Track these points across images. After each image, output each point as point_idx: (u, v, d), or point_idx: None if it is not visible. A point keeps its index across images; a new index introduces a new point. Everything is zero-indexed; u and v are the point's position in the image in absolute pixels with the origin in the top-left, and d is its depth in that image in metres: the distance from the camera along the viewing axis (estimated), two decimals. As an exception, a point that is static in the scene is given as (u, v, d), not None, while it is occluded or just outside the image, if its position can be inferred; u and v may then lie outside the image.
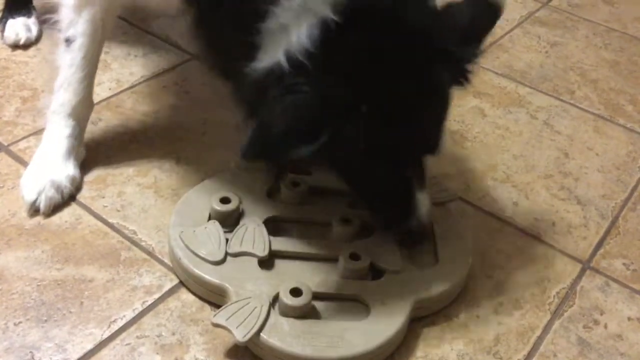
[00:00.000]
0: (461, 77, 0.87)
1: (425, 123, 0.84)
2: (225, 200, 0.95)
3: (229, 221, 0.94)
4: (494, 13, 0.90)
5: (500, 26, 1.59)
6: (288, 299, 0.83)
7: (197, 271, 0.88)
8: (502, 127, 1.27)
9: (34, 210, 0.99)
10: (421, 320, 0.90)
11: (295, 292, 0.84)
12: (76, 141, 1.06)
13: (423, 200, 0.89)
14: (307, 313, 0.84)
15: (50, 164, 1.03)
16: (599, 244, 1.06)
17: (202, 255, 0.89)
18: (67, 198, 1.01)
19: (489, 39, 1.53)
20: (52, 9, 1.05)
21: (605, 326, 0.94)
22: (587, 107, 1.36)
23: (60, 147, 1.04)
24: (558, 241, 1.05)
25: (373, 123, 0.78)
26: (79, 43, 1.02)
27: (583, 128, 1.30)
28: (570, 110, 1.34)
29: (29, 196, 0.99)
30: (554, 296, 0.97)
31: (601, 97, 1.39)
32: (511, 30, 1.58)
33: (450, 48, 0.83)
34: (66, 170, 1.03)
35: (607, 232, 1.08)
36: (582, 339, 0.91)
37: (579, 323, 0.93)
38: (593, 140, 1.27)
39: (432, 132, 0.86)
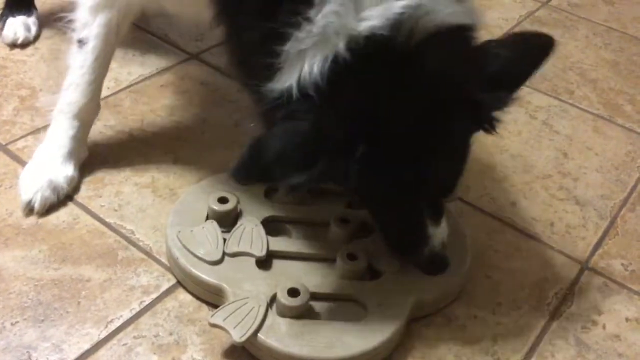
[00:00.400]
0: (486, 124, 0.84)
1: (432, 169, 0.81)
2: (223, 200, 0.95)
3: (227, 221, 0.94)
4: (543, 52, 0.83)
5: (500, 26, 1.59)
6: (285, 299, 0.83)
7: (194, 271, 0.88)
8: (500, 127, 1.27)
9: (29, 210, 0.99)
10: (419, 320, 0.90)
11: (293, 292, 0.84)
12: (79, 142, 1.06)
13: (436, 234, 0.87)
14: (304, 313, 0.84)
15: (50, 163, 1.02)
16: (598, 245, 1.06)
17: (200, 255, 0.89)
18: (63, 199, 1.01)
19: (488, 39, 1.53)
20: (67, 8, 1.04)
21: (604, 327, 0.93)
22: (586, 107, 1.36)
23: (62, 147, 1.04)
24: (556, 241, 1.05)
25: (370, 164, 0.76)
26: (92, 45, 1.02)
27: (582, 128, 1.30)
28: (569, 110, 1.34)
29: (25, 195, 0.99)
30: (552, 297, 0.96)
31: (600, 97, 1.39)
32: (510, 29, 1.58)
33: (472, 95, 0.79)
34: (65, 170, 1.03)
35: (606, 233, 1.08)
36: (580, 340, 0.91)
37: (577, 323, 0.93)
38: (592, 140, 1.27)
39: (441, 177, 0.84)
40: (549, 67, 1.45)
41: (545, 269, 1.01)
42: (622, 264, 1.03)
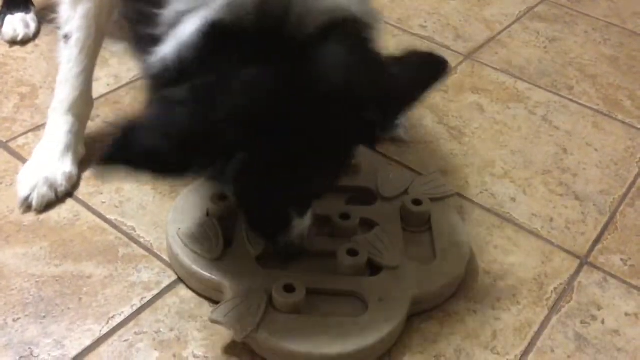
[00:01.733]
0: (369, 141, 0.81)
1: (310, 178, 0.77)
2: (223, 197, 0.95)
3: (227, 217, 0.94)
4: (435, 75, 0.77)
5: (499, 21, 1.59)
6: (281, 295, 0.83)
7: (194, 267, 0.88)
8: (500, 123, 1.27)
9: (27, 207, 0.99)
10: (419, 315, 0.90)
11: (289, 288, 0.84)
12: (75, 138, 1.06)
13: (298, 225, 0.84)
14: (301, 308, 0.84)
15: (47, 160, 1.03)
16: (597, 240, 1.06)
17: (200, 252, 0.89)
18: (62, 196, 1.01)
19: (487, 35, 1.53)
20: (55, 7, 1.05)
21: (603, 322, 0.94)
22: (585, 102, 1.36)
23: (58, 144, 1.04)
24: (556, 237, 1.06)
25: (247, 168, 0.71)
26: (75, 38, 1.02)
27: (582, 123, 1.30)
28: (569, 106, 1.34)
29: (22, 192, 1.00)
30: (551, 292, 0.97)
31: (600, 92, 1.39)
32: (510, 25, 1.58)
33: (364, 112, 0.73)
34: (62, 167, 1.03)
35: (605, 228, 1.08)
36: (580, 335, 0.92)
37: (576, 318, 0.94)
38: (592, 136, 1.27)
39: (316, 185, 0.80)
40: (548, 63, 1.46)
41: (545, 264, 1.01)
42: (622, 259, 1.04)
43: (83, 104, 1.07)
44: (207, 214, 0.95)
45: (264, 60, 0.68)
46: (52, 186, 1.01)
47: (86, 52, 1.04)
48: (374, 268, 0.91)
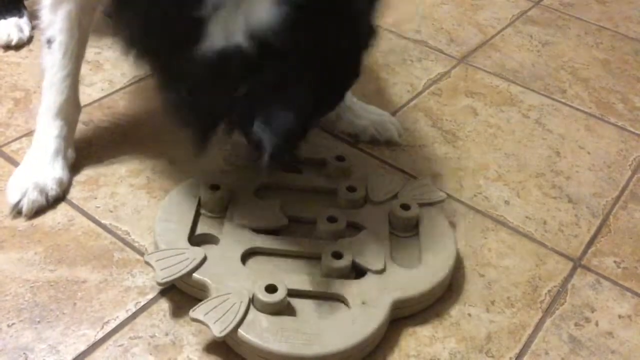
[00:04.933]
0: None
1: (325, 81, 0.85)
2: (215, 187, 0.96)
3: (217, 208, 0.96)
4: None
5: (492, 25, 1.59)
6: (263, 296, 0.83)
7: None
8: (494, 126, 1.28)
9: (17, 212, 0.99)
10: (413, 318, 0.91)
11: (271, 288, 0.84)
12: (64, 142, 1.06)
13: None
14: (282, 309, 0.84)
15: (37, 166, 1.02)
16: (590, 242, 1.07)
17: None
18: (53, 201, 1.01)
19: (480, 39, 1.54)
20: (38, 12, 1.05)
21: (597, 324, 0.94)
22: (578, 105, 1.36)
23: (47, 149, 1.04)
24: (549, 239, 1.06)
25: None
26: (58, 42, 1.02)
27: (574, 127, 1.30)
28: (561, 109, 1.35)
29: (12, 198, 0.99)
30: (545, 294, 0.97)
31: (592, 95, 1.40)
32: (503, 29, 1.59)
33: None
34: (53, 172, 1.02)
35: (598, 230, 1.09)
36: (574, 337, 0.92)
37: (570, 321, 0.94)
38: (584, 139, 1.28)
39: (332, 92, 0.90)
40: (541, 67, 1.46)
41: (539, 267, 1.01)
42: (615, 262, 1.04)
43: (71, 108, 1.07)
44: (199, 204, 0.96)
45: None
46: (42, 191, 1.00)
47: (69, 55, 1.03)
48: (358, 271, 0.91)
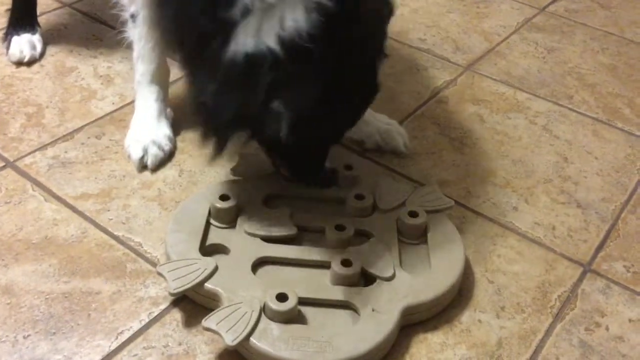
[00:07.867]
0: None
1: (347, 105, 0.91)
2: (225, 197, 0.98)
3: (226, 218, 0.97)
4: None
5: (498, 33, 1.60)
6: (274, 304, 0.84)
7: None
8: (501, 133, 1.29)
9: (142, 166, 1.10)
10: (423, 325, 0.91)
11: (282, 297, 0.85)
12: (163, 104, 1.17)
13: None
14: (293, 318, 0.85)
15: (147, 126, 1.14)
16: (600, 247, 1.07)
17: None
18: (169, 154, 1.13)
19: (486, 46, 1.55)
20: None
21: (607, 328, 0.94)
22: (585, 111, 1.37)
23: (151, 111, 1.15)
24: (559, 245, 1.06)
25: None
26: (142, 16, 1.10)
27: (582, 132, 1.31)
28: (568, 115, 1.35)
29: (136, 155, 1.10)
30: (555, 299, 0.97)
31: (599, 101, 1.40)
32: (508, 36, 1.60)
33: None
34: (162, 130, 1.14)
35: (608, 235, 1.09)
36: (584, 342, 0.92)
37: (580, 326, 0.94)
38: (592, 144, 1.28)
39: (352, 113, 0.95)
40: (547, 73, 1.47)
41: (548, 272, 1.02)
42: (624, 266, 1.04)
43: (162, 73, 1.17)
44: (209, 214, 0.97)
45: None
46: (160, 147, 1.12)
47: (154, 27, 1.09)
48: (368, 279, 0.92)
